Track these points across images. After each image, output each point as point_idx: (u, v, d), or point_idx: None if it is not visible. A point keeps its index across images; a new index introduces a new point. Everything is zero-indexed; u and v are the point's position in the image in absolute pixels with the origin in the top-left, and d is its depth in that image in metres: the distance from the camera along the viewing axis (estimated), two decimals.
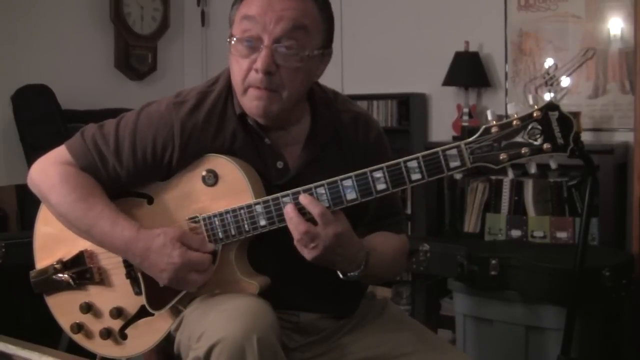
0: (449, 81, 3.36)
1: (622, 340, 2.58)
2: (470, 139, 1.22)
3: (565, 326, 1.99)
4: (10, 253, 2.49)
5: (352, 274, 1.33)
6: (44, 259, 1.51)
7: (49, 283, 1.49)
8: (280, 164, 1.40)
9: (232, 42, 1.34)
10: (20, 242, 2.41)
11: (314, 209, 1.26)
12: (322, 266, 1.30)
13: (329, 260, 1.29)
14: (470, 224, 3.07)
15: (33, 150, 3.22)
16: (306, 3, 1.33)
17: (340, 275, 1.34)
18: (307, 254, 1.27)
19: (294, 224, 1.26)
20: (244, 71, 1.33)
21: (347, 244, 1.29)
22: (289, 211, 1.27)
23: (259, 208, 1.31)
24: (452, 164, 1.23)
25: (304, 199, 1.27)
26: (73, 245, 1.46)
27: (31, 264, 1.53)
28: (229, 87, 1.42)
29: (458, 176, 3.13)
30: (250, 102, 1.34)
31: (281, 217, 1.30)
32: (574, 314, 1.99)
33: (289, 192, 1.30)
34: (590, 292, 2.19)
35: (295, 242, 1.27)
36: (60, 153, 1.43)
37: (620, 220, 2.83)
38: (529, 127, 1.20)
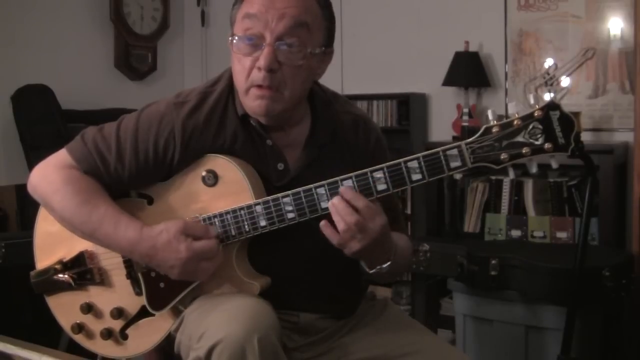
0: (448, 81, 3.36)
1: (622, 340, 2.58)
2: (471, 139, 1.22)
3: (565, 326, 1.99)
4: (10, 253, 2.48)
5: (381, 266, 1.31)
6: (44, 259, 1.51)
7: (50, 284, 1.49)
8: (280, 166, 1.40)
9: (234, 41, 1.34)
10: (20, 242, 2.41)
11: (358, 202, 1.23)
12: (356, 258, 1.29)
13: (369, 251, 1.27)
14: (470, 224, 3.07)
15: (33, 150, 3.22)
16: (307, 0, 1.33)
17: (368, 270, 1.33)
18: (352, 245, 1.24)
19: (342, 215, 1.22)
20: (247, 70, 1.32)
21: (388, 235, 1.28)
22: (336, 203, 1.24)
23: (259, 208, 1.31)
24: (453, 164, 1.23)
25: (346, 193, 1.23)
26: (73, 245, 1.46)
27: (31, 264, 1.52)
28: (230, 88, 1.41)
29: (458, 176, 3.13)
30: (253, 101, 1.34)
31: (281, 218, 1.30)
32: (574, 314, 1.99)
33: (289, 192, 1.30)
34: (590, 292, 2.19)
35: (341, 234, 1.23)
36: (61, 157, 1.42)
37: (620, 220, 2.83)
38: (530, 126, 1.20)
